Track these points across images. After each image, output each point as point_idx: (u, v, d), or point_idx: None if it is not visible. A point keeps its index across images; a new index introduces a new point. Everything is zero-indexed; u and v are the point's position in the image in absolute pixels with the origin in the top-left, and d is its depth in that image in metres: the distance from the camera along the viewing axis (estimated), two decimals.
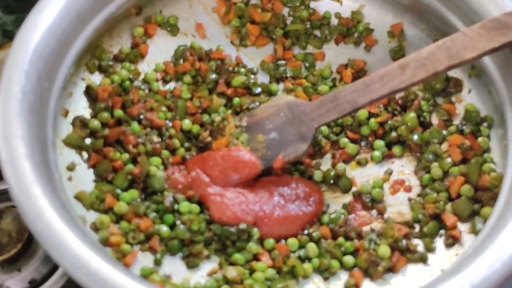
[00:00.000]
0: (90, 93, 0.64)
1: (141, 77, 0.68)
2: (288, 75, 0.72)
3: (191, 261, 0.60)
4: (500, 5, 0.61)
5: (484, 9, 0.62)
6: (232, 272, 0.58)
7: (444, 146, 0.65)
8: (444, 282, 0.51)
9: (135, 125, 0.63)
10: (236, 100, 0.69)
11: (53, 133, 0.58)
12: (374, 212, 0.65)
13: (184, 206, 0.61)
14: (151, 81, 0.68)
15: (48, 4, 0.59)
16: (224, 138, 0.65)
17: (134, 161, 0.62)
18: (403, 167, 0.67)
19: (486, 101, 0.65)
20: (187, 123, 0.66)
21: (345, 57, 0.73)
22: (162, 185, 0.62)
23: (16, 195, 0.51)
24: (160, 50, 0.70)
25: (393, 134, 0.68)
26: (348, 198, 0.66)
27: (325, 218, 0.63)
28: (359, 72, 0.72)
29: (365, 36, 0.72)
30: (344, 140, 0.69)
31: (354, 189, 0.66)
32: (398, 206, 0.65)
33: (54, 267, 0.68)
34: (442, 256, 0.60)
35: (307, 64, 0.73)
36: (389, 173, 0.67)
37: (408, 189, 0.66)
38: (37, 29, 0.58)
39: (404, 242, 0.60)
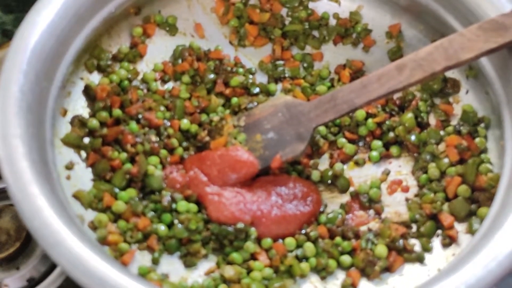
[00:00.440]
0: (89, 93, 0.65)
1: (140, 76, 0.69)
2: (287, 75, 0.72)
3: (189, 260, 0.60)
4: (497, 6, 0.62)
5: (481, 10, 0.63)
6: (229, 271, 0.58)
7: (442, 147, 0.65)
8: (440, 282, 0.51)
9: (133, 125, 0.64)
10: (235, 100, 0.69)
11: (52, 132, 0.58)
12: (371, 212, 0.65)
13: (182, 205, 0.61)
14: (150, 80, 0.68)
15: (47, 4, 0.60)
16: (222, 137, 0.65)
17: (132, 160, 0.62)
18: (401, 167, 0.67)
19: (484, 102, 0.65)
20: (185, 122, 0.66)
21: (343, 57, 0.73)
22: (160, 184, 0.62)
23: (14, 194, 0.51)
24: (159, 50, 0.70)
25: (391, 134, 0.68)
26: (345, 198, 0.66)
27: (323, 218, 0.64)
28: (357, 73, 0.72)
29: (363, 36, 0.73)
30: (342, 140, 0.69)
31: (351, 189, 0.67)
32: (395, 206, 0.65)
33: (52, 266, 0.69)
34: (439, 256, 0.60)
35: (305, 65, 0.73)
36: (387, 173, 0.67)
37: (406, 189, 0.66)
38: (36, 28, 0.58)
39: (401, 242, 0.60)
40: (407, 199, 0.65)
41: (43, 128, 0.56)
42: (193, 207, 0.61)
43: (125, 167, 0.61)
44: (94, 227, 0.58)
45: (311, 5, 0.73)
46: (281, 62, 0.73)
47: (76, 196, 0.59)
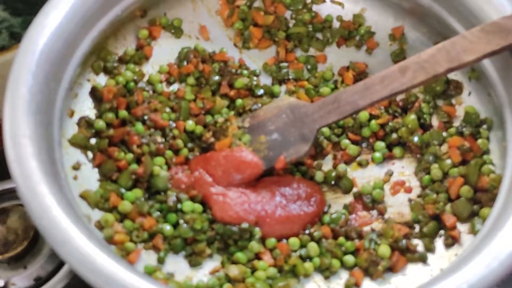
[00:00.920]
0: (96, 94, 0.65)
1: (146, 78, 0.69)
2: (290, 77, 0.73)
3: (194, 260, 0.60)
4: (499, 9, 0.62)
5: (483, 13, 0.63)
6: (234, 271, 0.59)
7: (444, 148, 0.65)
8: (442, 281, 0.51)
9: (139, 126, 0.64)
10: (239, 101, 0.70)
11: (59, 133, 0.59)
12: (374, 212, 0.65)
13: (187, 205, 0.61)
14: (155, 82, 0.69)
15: (55, 7, 0.60)
16: (227, 139, 0.66)
17: (138, 161, 0.63)
18: (404, 168, 0.68)
19: (486, 104, 0.66)
20: (190, 123, 0.67)
21: (346, 59, 0.73)
22: (165, 184, 0.62)
23: (23, 193, 0.52)
24: (164, 52, 0.71)
25: (394, 135, 0.68)
26: (349, 198, 0.67)
27: (326, 218, 0.64)
28: (361, 75, 0.72)
29: (367, 39, 0.73)
30: (345, 142, 0.69)
31: (355, 189, 0.67)
32: (398, 206, 0.65)
33: (60, 265, 0.69)
34: (441, 256, 0.60)
35: (309, 67, 0.74)
36: (390, 174, 0.68)
37: (408, 190, 0.66)
38: (44, 31, 0.59)
39: (404, 242, 0.61)
40: (410, 200, 0.65)
41: (51, 129, 0.57)
42: (198, 207, 0.62)
43: (131, 168, 0.62)
44: (100, 226, 0.58)
45: (315, 7, 0.74)
46: (285, 64, 0.73)
47: (83, 196, 0.59)
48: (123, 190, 0.61)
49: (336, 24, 0.74)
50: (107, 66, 0.67)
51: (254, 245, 0.60)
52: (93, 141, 0.63)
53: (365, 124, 0.69)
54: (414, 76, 0.60)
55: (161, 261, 0.59)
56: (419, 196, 0.65)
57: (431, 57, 0.60)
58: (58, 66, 0.59)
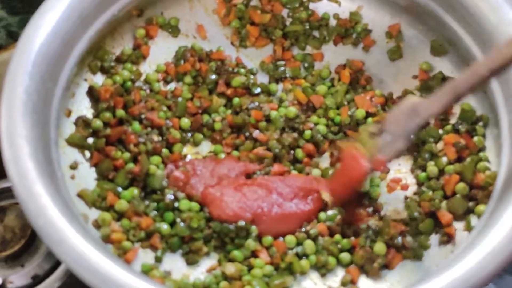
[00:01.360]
0: (93, 94, 0.65)
1: (143, 77, 0.69)
2: (287, 75, 0.73)
3: (191, 258, 0.60)
4: (495, 7, 0.62)
5: (479, 11, 0.63)
6: (230, 269, 0.59)
7: (440, 145, 0.65)
8: (436, 277, 0.51)
9: (136, 125, 0.64)
10: (236, 100, 0.70)
11: (56, 133, 0.59)
12: (371, 210, 0.65)
13: (184, 204, 0.62)
14: (152, 81, 0.69)
15: (52, 6, 0.60)
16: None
17: (134, 160, 0.63)
18: (400, 166, 0.68)
19: (482, 101, 0.66)
20: (185, 122, 0.67)
21: (343, 57, 0.73)
22: (161, 183, 0.62)
23: (20, 193, 0.52)
24: (161, 51, 0.71)
25: None
26: None
27: (323, 216, 0.64)
28: (357, 73, 0.72)
29: (363, 37, 0.73)
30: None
31: None
32: (394, 204, 0.65)
33: (57, 263, 0.69)
34: (437, 253, 0.61)
35: (306, 65, 0.74)
36: (386, 171, 0.68)
37: (405, 188, 0.66)
38: (41, 30, 0.59)
39: (400, 239, 0.61)
40: (406, 197, 0.65)
41: (48, 129, 0.57)
42: (195, 205, 0.62)
43: (127, 167, 0.62)
44: (97, 225, 0.59)
45: (311, 6, 0.74)
46: (282, 62, 0.73)
47: (80, 195, 0.60)
48: (119, 189, 0.62)
49: (332, 22, 0.74)
50: (104, 65, 0.67)
51: (251, 243, 0.61)
52: (90, 140, 0.63)
53: (361, 122, 0.69)
54: None
55: (158, 260, 0.60)
56: (415, 194, 0.65)
57: None
58: (55, 66, 0.59)
